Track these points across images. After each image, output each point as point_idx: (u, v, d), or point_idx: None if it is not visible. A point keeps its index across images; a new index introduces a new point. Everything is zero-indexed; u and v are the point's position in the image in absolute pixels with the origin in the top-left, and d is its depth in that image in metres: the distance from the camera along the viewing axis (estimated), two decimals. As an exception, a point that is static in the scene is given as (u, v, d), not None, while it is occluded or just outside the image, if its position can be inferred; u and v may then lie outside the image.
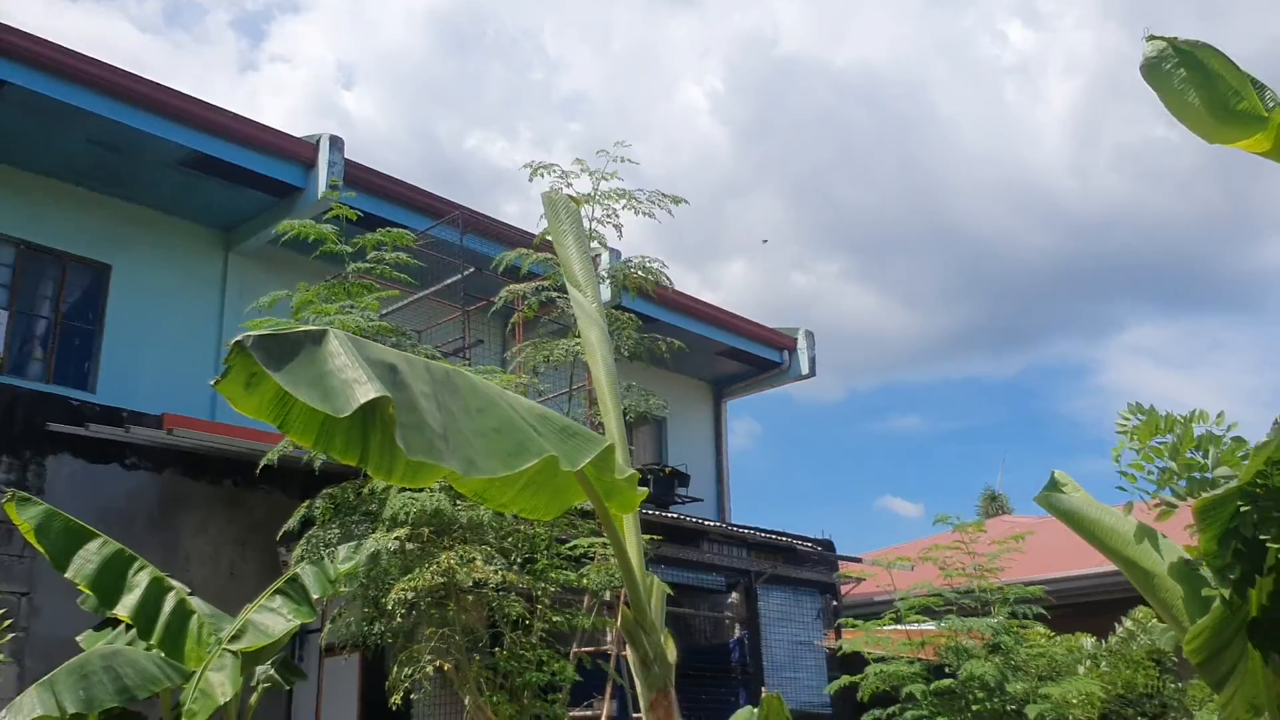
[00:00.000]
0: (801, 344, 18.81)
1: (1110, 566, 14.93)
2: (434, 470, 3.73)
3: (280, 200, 12.96)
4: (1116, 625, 12.34)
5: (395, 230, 8.98)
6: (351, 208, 9.13)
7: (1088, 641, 12.03)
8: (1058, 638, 10.27)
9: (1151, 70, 4.03)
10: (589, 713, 9.10)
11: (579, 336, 8.55)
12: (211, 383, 3.09)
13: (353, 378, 3.24)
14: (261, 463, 7.83)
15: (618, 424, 4.82)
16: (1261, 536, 3.48)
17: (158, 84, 11.83)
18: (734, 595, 12.43)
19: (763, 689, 11.94)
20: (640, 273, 8.60)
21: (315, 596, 6.62)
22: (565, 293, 9.55)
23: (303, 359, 3.22)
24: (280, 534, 7.43)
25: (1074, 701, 8.83)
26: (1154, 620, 11.77)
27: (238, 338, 3.02)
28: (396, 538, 5.79)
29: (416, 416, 3.33)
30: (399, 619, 5.82)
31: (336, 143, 12.70)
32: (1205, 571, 4.30)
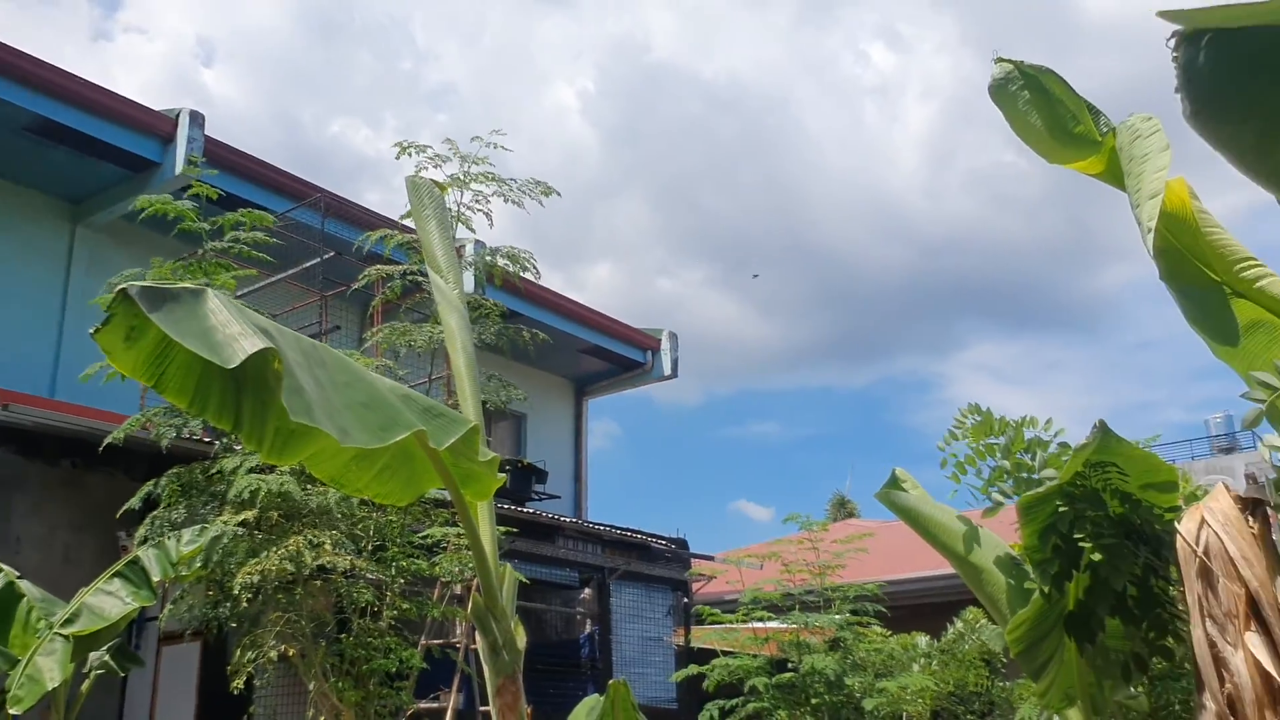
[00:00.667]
0: (665, 345, 19.04)
1: (945, 570, 15.64)
2: (304, 441, 3.72)
3: (134, 174, 12.47)
4: (949, 625, 12.90)
5: (256, 211, 8.77)
6: (212, 186, 8.89)
7: (922, 640, 12.54)
8: (894, 636, 10.67)
9: (998, 91, 4.28)
10: (435, 705, 9.06)
11: (438, 325, 8.50)
12: (91, 331, 3.03)
13: (236, 332, 3.22)
14: (106, 441, 7.55)
15: (476, 412, 4.84)
16: (1076, 535, 3.72)
17: (1, 43, 11.26)
18: (587, 591, 12.52)
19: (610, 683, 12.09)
20: (506, 261, 8.57)
21: (156, 579, 6.42)
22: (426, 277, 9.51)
23: (185, 312, 3.19)
24: (120, 514, 7.17)
25: (908, 696, 9.20)
26: (984, 621, 12.36)
27: (122, 284, 2.97)
28: (243, 520, 5.67)
29: (294, 381, 3.31)
30: (244, 603, 5.71)
31: (197, 118, 12.30)
32: (1028, 567, 4.58)
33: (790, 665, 9.29)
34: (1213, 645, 3.36)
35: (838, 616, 9.58)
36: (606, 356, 18.69)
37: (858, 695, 8.95)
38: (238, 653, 6.30)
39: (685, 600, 13.45)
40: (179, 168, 11.59)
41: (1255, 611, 3.33)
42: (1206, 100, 1.78)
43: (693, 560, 14.17)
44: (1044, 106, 4.06)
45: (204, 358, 3.17)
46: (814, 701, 8.92)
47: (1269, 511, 3.54)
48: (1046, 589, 3.86)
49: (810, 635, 9.70)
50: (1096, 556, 3.72)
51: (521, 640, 4.55)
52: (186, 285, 3.37)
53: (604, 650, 12.01)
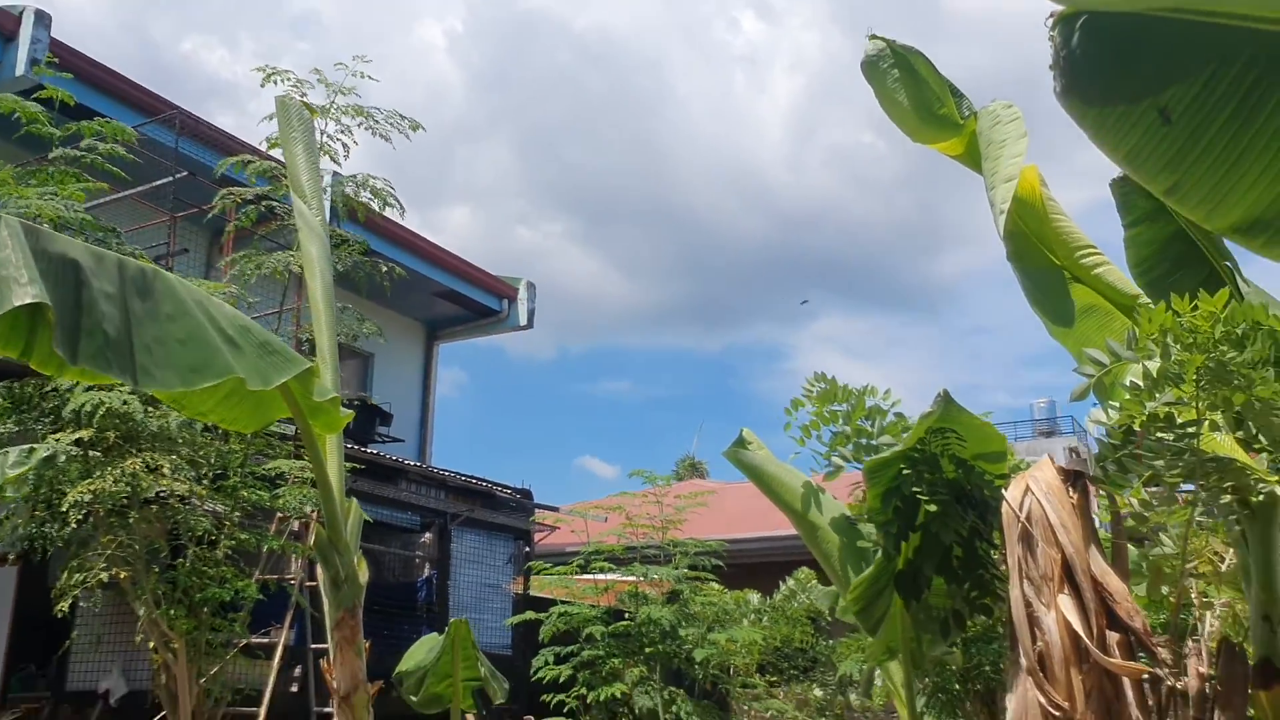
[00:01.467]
0: (522, 294, 18.90)
1: (781, 531, 16.16)
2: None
3: (-33, 70, 11.63)
4: (781, 584, 13.35)
5: (115, 123, 8.30)
6: (67, 92, 8.37)
7: (754, 597, 12.95)
8: (730, 593, 10.98)
9: (870, 67, 4.40)
10: (266, 640, 8.90)
11: (296, 251, 8.24)
12: None
13: (13, 275, 3.06)
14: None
15: (330, 343, 4.75)
16: (915, 489, 3.90)
17: None
18: (427, 535, 12.44)
19: (446, 627, 12.09)
20: (367, 194, 8.34)
21: None
22: (288, 206, 9.21)
23: None
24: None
25: (736, 649, 9.49)
26: (814, 582, 12.83)
27: None
28: (78, 439, 5.42)
29: (90, 320, 3.18)
30: (74, 524, 5.46)
31: (43, 18, 11.51)
32: (861, 528, 4.78)
33: (627, 615, 9.45)
34: (1028, 605, 3.58)
35: (676, 570, 9.78)
36: (461, 302, 18.44)
37: (690, 646, 9.17)
38: (64, 575, 6.04)
39: (527, 549, 13.50)
40: (20, 68, 10.85)
41: (1069, 575, 3.56)
42: (1077, 79, 1.88)
43: (537, 510, 14.23)
44: (911, 86, 4.19)
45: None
46: (648, 650, 9.10)
47: (1088, 484, 3.78)
48: (886, 548, 4.03)
49: (649, 588, 9.87)
50: (931, 507, 3.90)
51: (364, 575, 4.52)
52: None
53: (441, 595, 11.97)
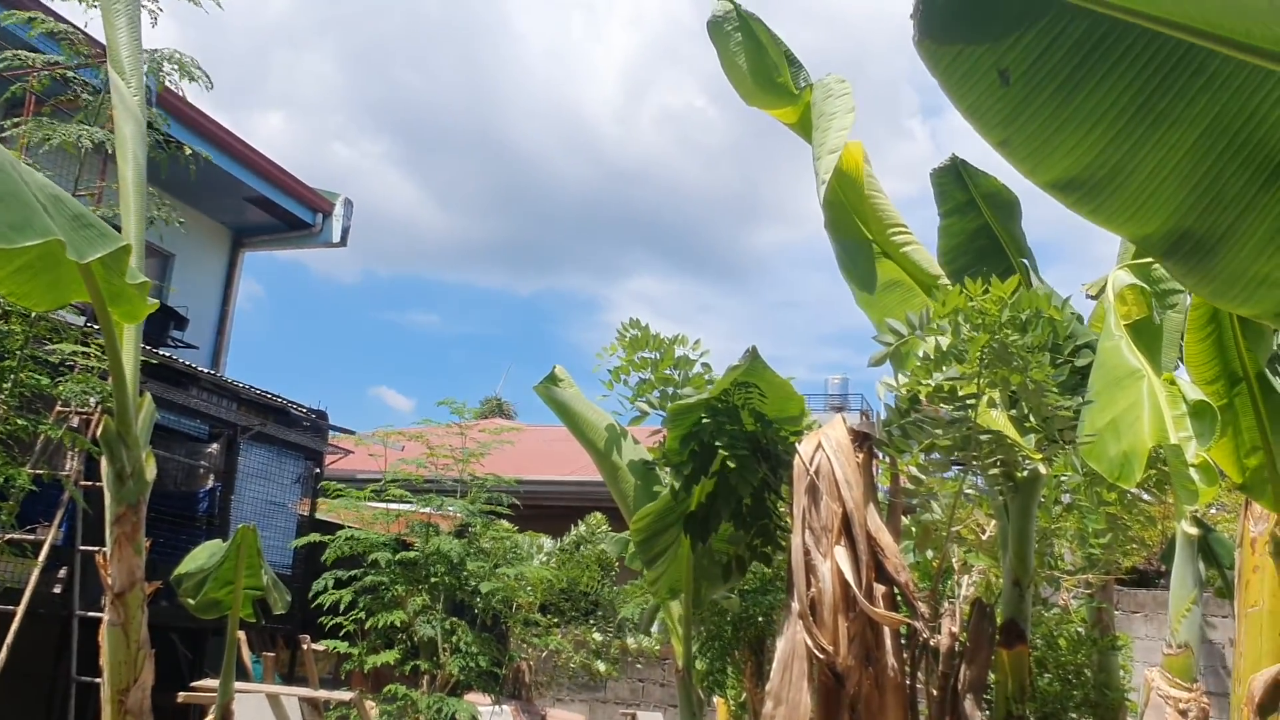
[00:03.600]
0: (338, 211, 18.32)
1: (577, 476, 16.43)
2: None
3: None
4: (572, 527, 13.59)
5: None
6: None
7: (547, 541, 13.15)
8: (522, 533, 11.09)
9: (715, 28, 4.50)
10: (31, 537, 8.46)
11: (94, 127, 7.70)
12: None
13: None
14: None
15: (138, 229, 4.55)
16: (714, 439, 4.07)
17: None
18: (214, 446, 12.03)
19: (226, 539, 11.77)
20: (171, 67, 7.79)
21: None
22: (88, 80, 8.60)
23: None
24: None
25: (522, 586, 9.62)
26: (605, 528, 13.12)
27: None
28: None
29: None
30: None
31: None
32: (659, 472, 4.95)
33: (416, 545, 9.42)
34: (807, 553, 3.81)
35: (472, 506, 9.80)
36: (273, 210, 17.71)
37: (476, 580, 9.22)
38: None
39: (317, 471, 13.24)
40: None
41: (847, 529, 3.81)
42: (930, 28, 2.02)
43: (331, 434, 13.95)
44: (752, 51, 4.32)
45: None
46: (433, 580, 9.10)
47: (873, 447, 4.03)
48: (677, 488, 4.19)
49: (440, 520, 9.86)
50: (730, 465, 4.08)
51: (151, 472, 4.39)
52: None
53: (224, 508, 11.63)
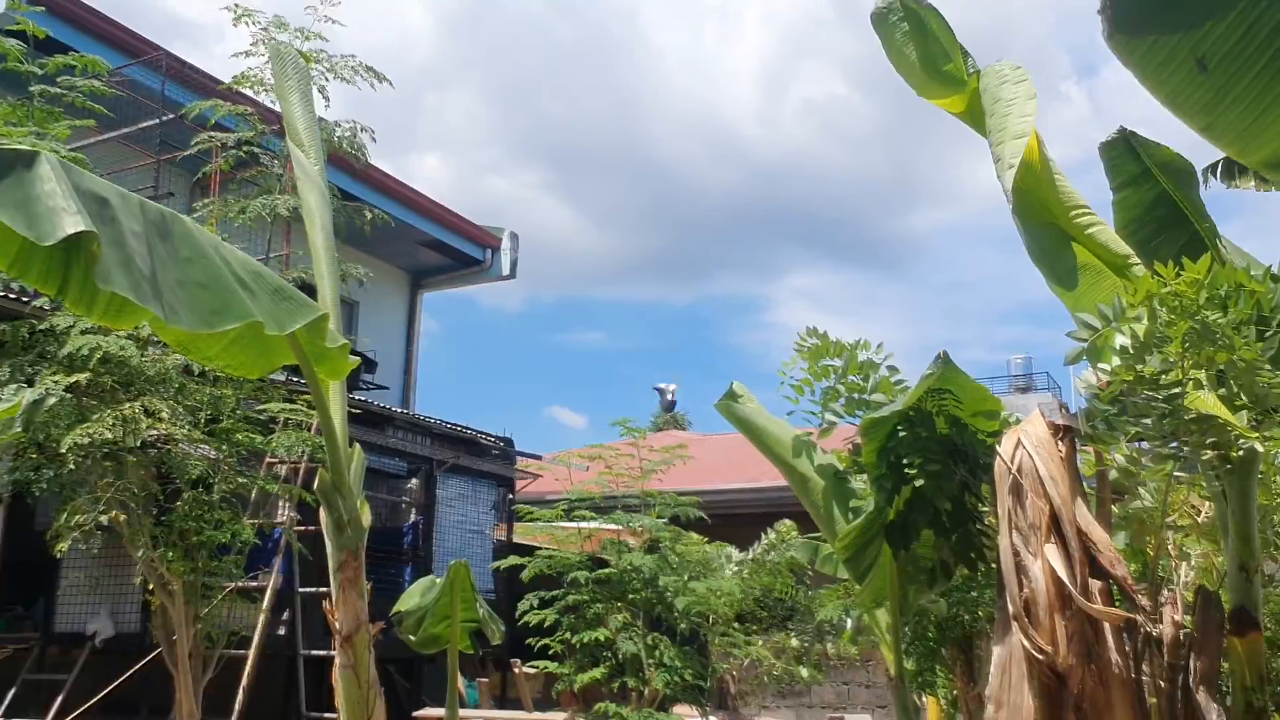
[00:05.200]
0: (505, 244, 18.89)
1: (759, 483, 16.37)
2: (137, 311, 3.60)
3: (-54, 9, 11.46)
4: (762, 535, 13.55)
5: (89, 56, 8.20)
6: (38, 25, 8.26)
7: (733, 551, 13.16)
8: (710, 544, 11.15)
9: (879, 20, 4.45)
10: (254, 583, 9.02)
11: (273, 195, 8.20)
12: None
13: (60, 206, 3.09)
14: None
15: (332, 292, 4.81)
16: (910, 450, 4.02)
17: None
18: (414, 481, 12.55)
19: (432, 571, 12.25)
20: (345, 139, 8.25)
21: None
22: (267, 150, 9.15)
23: (11, 180, 3.04)
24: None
25: (716, 598, 9.66)
26: (794, 534, 13.04)
27: None
28: (75, 381, 5.44)
29: (123, 254, 3.21)
30: (71, 466, 5.51)
31: (17, -47, 11.34)
32: (854, 483, 4.91)
33: (610, 563, 9.59)
34: (1016, 554, 3.71)
35: (658, 519, 9.92)
36: (445, 251, 18.42)
37: (670, 594, 9.32)
38: (60, 518, 6.10)
39: (510, 496, 13.64)
40: (2, 5, 10.70)
41: (1056, 526, 3.69)
42: (1122, 23, 1.97)
43: (519, 458, 14.35)
44: (920, 41, 4.25)
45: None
46: (630, 597, 9.24)
47: (1075, 439, 3.91)
48: (879, 502, 4.15)
49: (630, 536, 10.01)
50: (919, 482, 4.02)
51: (366, 518, 4.62)
52: (19, 149, 3.19)
53: (426, 539, 12.12)
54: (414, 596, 5.10)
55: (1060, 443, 3.83)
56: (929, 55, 4.21)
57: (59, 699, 8.87)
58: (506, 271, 19.07)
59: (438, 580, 5.09)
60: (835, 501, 4.74)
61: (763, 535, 13.44)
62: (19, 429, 6.01)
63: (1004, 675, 3.71)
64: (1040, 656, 3.59)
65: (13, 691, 9.12)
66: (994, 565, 4.88)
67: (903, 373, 4.73)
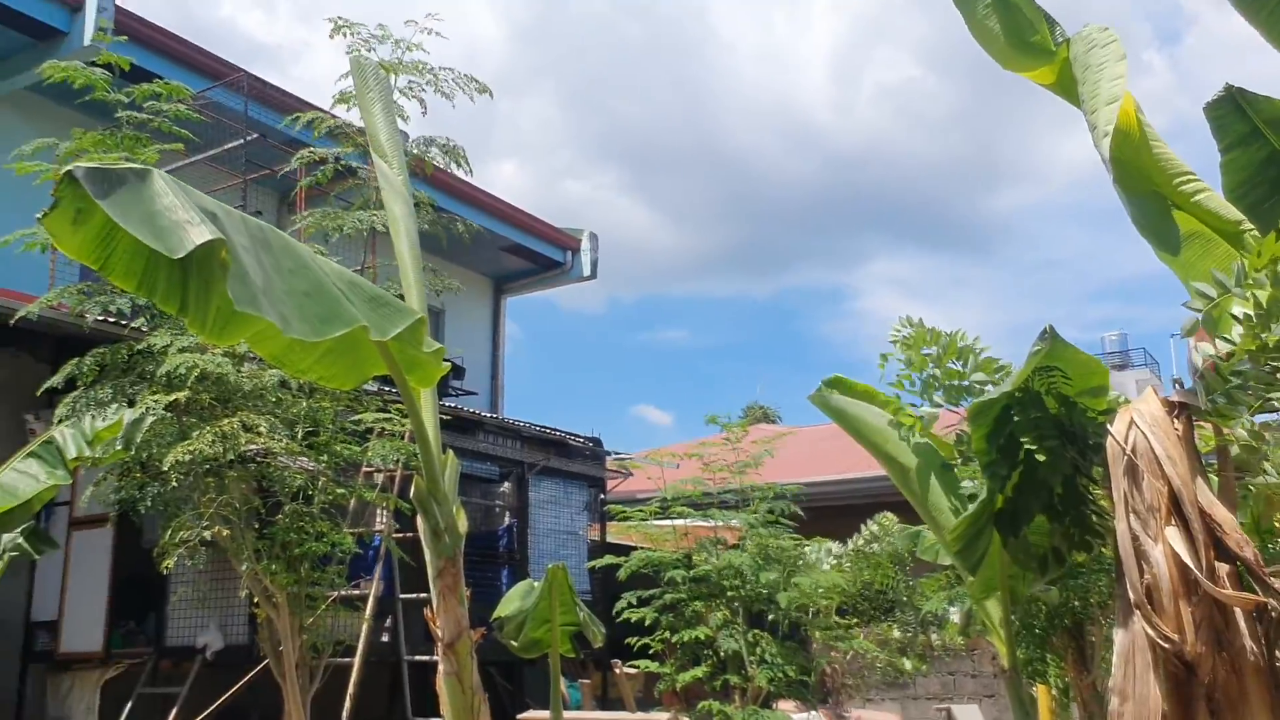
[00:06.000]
0: (585, 245, 18.92)
1: (855, 474, 16.12)
2: (245, 322, 3.63)
3: (39, 43, 11.80)
4: (863, 526, 13.35)
5: (172, 83, 8.39)
6: (123, 56, 8.47)
7: (833, 545, 12.99)
8: (812, 540, 11.02)
9: (961, -6, 4.31)
10: (356, 591, 9.13)
11: (367, 209, 8.30)
12: (38, 216, 2.92)
13: (184, 219, 3.12)
14: (18, 316, 7.25)
15: (420, 300, 4.81)
16: (1023, 437, 3.86)
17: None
18: (506, 485, 12.63)
19: (528, 574, 12.30)
20: (436, 153, 8.34)
21: (71, 459, 6.28)
22: (360, 165, 9.27)
23: (131, 194, 3.08)
24: (40, 393, 6.95)
25: (818, 593, 9.53)
26: (895, 525, 12.81)
27: (67, 168, 2.86)
28: (174, 399, 5.54)
29: (239, 267, 3.24)
30: (174, 484, 5.62)
31: (105, -14, 11.66)
32: (959, 473, 4.77)
33: (707, 562, 9.52)
34: (1135, 539, 3.54)
35: (755, 515, 9.82)
36: (526, 255, 18.52)
37: (770, 590, 9.23)
38: (166, 534, 6.23)
39: (601, 496, 13.64)
40: (88, 37, 11.00)
41: (1176, 507, 3.52)
42: None
43: (609, 458, 14.35)
44: (1003, 13, 4.10)
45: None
46: (729, 594, 9.17)
47: (1191, 415, 3.72)
48: (991, 489, 4.01)
49: (726, 533, 9.93)
50: (1040, 457, 3.86)
51: (463, 524, 4.61)
52: (132, 166, 3.24)
53: (521, 542, 12.18)
54: (514, 601, 5.09)
55: (1176, 420, 3.65)
56: (1014, 27, 4.06)
57: (173, 712, 9.08)
58: (587, 272, 19.10)
59: (536, 584, 5.06)
60: (941, 491, 4.59)
61: (863, 526, 13.25)
62: (121, 448, 6.16)
63: (1127, 665, 3.55)
64: (1166, 645, 3.42)
65: (129, 706, 9.37)
66: (1106, 550, 4.70)
67: (999, 360, 4.59)
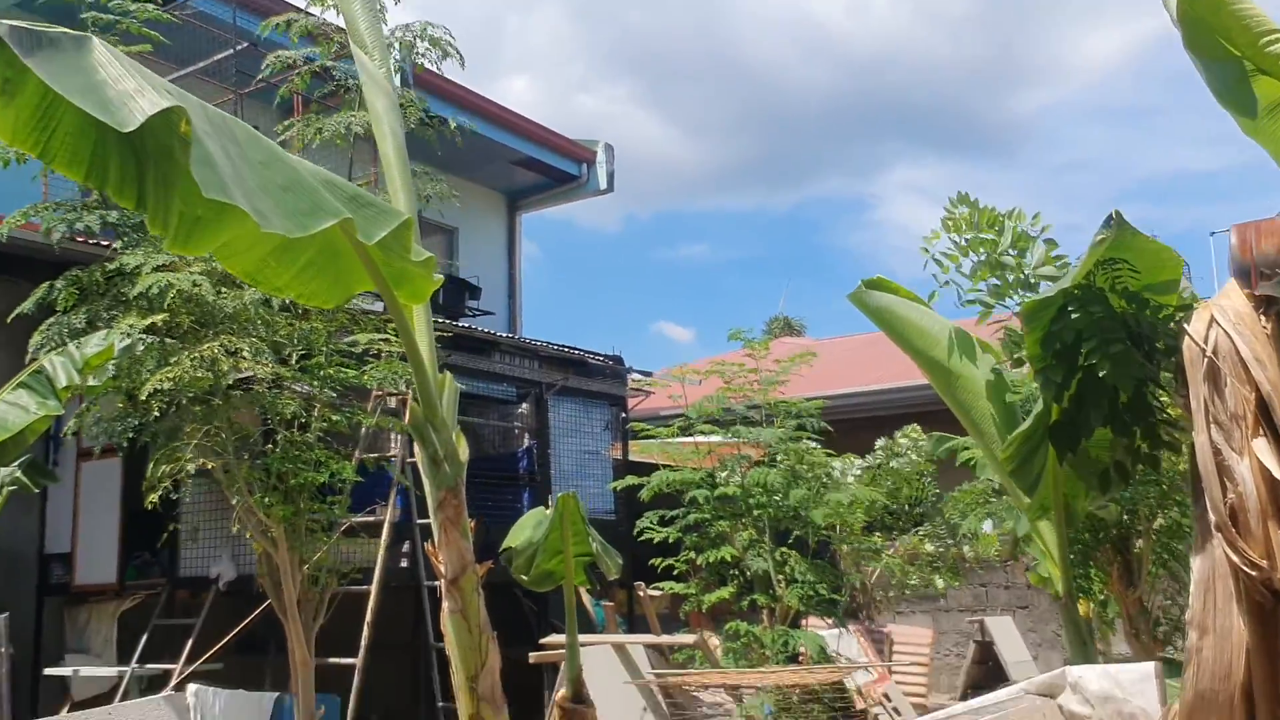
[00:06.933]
0: (601, 157, 18.30)
1: (883, 385, 15.68)
2: (214, 229, 3.21)
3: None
4: (887, 439, 12.97)
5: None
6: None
7: (858, 461, 12.63)
8: (840, 456, 10.66)
9: None
10: (371, 518, 8.86)
11: (358, 111, 7.75)
12: None
13: (132, 88, 2.67)
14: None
15: (408, 204, 4.37)
16: (1082, 332, 3.42)
17: None
18: (524, 406, 12.29)
19: (549, 495, 12.01)
20: (425, 44, 7.70)
21: (62, 385, 5.95)
22: (343, 68, 8.72)
23: (67, 61, 2.64)
24: (10, 319, 6.57)
25: (851, 506, 9.19)
26: (923, 439, 12.41)
27: None
28: (151, 325, 5.15)
29: (204, 151, 2.81)
30: (156, 414, 5.26)
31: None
32: (1009, 378, 4.33)
33: (732, 480, 9.18)
34: (1217, 453, 3.12)
35: (780, 431, 9.45)
36: (540, 169, 17.93)
37: (800, 507, 8.90)
38: (150, 468, 5.91)
39: (623, 415, 13.30)
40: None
41: (1265, 416, 3.09)
42: None
43: (631, 376, 13.99)
44: None
45: (98, 120, 2.66)
46: (755, 513, 8.84)
47: None
48: (1047, 398, 3.57)
49: (751, 449, 9.57)
50: (1104, 361, 3.41)
51: (464, 452, 4.23)
52: (67, 32, 2.80)
53: (542, 464, 11.87)
54: (524, 530, 4.73)
55: (1264, 317, 3.20)
56: None
57: (189, 642, 8.92)
58: (604, 185, 18.49)
59: (548, 512, 4.70)
60: (992, 401, 4.15)
61: (886, 439, 12.88)
62: (111, 376, 5.80)
63: (1207, 595, 3.15)
64: (1252, 573, 3.02)
65: (145, 637, 9.21)
66: (1169, 461, 4.27)
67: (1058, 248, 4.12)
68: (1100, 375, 3.44)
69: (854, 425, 13.86)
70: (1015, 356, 4.13)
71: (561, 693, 4.67)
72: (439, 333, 10.93)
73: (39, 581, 10.36)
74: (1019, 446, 3.73)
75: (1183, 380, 3.24)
